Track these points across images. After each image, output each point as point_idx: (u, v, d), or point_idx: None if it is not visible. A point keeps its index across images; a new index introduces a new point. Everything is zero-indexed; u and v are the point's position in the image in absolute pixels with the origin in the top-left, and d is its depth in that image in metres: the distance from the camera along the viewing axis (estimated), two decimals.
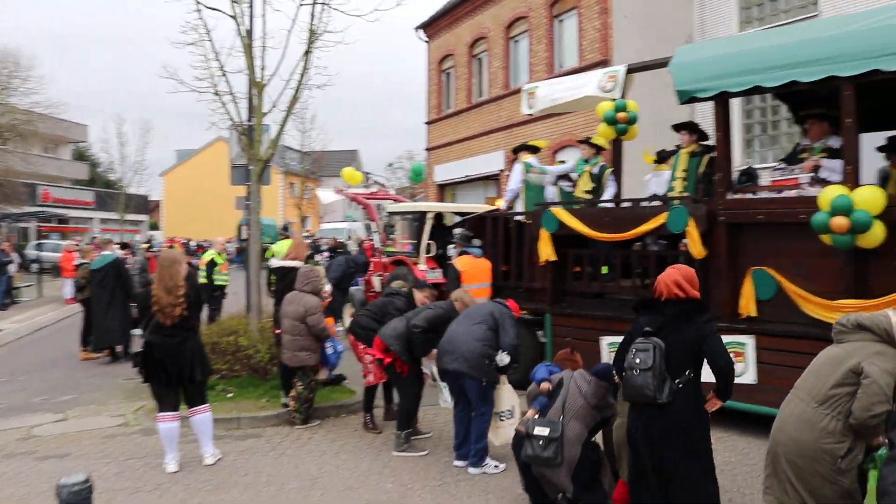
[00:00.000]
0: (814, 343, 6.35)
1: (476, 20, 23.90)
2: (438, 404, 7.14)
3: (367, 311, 7.67)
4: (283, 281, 8.10)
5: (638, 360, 4.27)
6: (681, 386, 4.23)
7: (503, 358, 5.98)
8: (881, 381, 3.66)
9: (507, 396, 6.21)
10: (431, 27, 26.66)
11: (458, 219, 13.46)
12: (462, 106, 24.91)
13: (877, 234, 5.95)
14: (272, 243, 19.02)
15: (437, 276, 11.79)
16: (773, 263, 6.80)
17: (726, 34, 16.72)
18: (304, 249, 8.66)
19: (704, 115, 15.95)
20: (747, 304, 6.93)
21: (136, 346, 9.69)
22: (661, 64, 7.90)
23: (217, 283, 13.26)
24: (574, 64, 19.08)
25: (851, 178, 6.25)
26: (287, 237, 12.79)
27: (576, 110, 12.31)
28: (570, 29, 19.84)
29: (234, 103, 9.28)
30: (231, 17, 9.09)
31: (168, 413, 6.21)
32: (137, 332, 9.86)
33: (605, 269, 8.56)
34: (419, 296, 7.45)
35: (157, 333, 6.09)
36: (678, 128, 8.60)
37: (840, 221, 5.94)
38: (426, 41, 27.27)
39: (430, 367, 6.78)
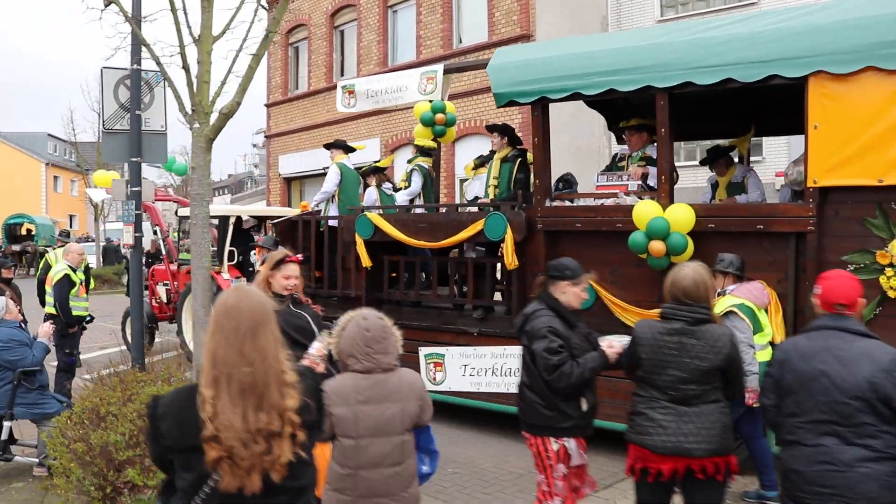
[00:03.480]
0: None
1: None
2: None
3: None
4: None
5: None
6: None
7: None
8: None
9: None
10: None
11: (254, 222, 12.73)
12: (319, 86, 21.72)
13: (689, 252, 6.08)
14: (48, 248, 16.88)
15: None
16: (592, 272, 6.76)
17: (647, 19, 16.01)
18: None
19: (594, 117, 15.54)
20: None
21: None
22: (480, 65, 7.69)
23: (75, 313, 8.81)
24: (483, 39, 16.89)
25: (665, 189, 6.33)
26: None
27: (398, 108, 11.86)
28: None
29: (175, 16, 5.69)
30: None
31: None
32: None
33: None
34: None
35: None
36: (491, 129, 8.43)
37: (657, 246, 6.01)
38: (265, 9, 24.62)
39: None
